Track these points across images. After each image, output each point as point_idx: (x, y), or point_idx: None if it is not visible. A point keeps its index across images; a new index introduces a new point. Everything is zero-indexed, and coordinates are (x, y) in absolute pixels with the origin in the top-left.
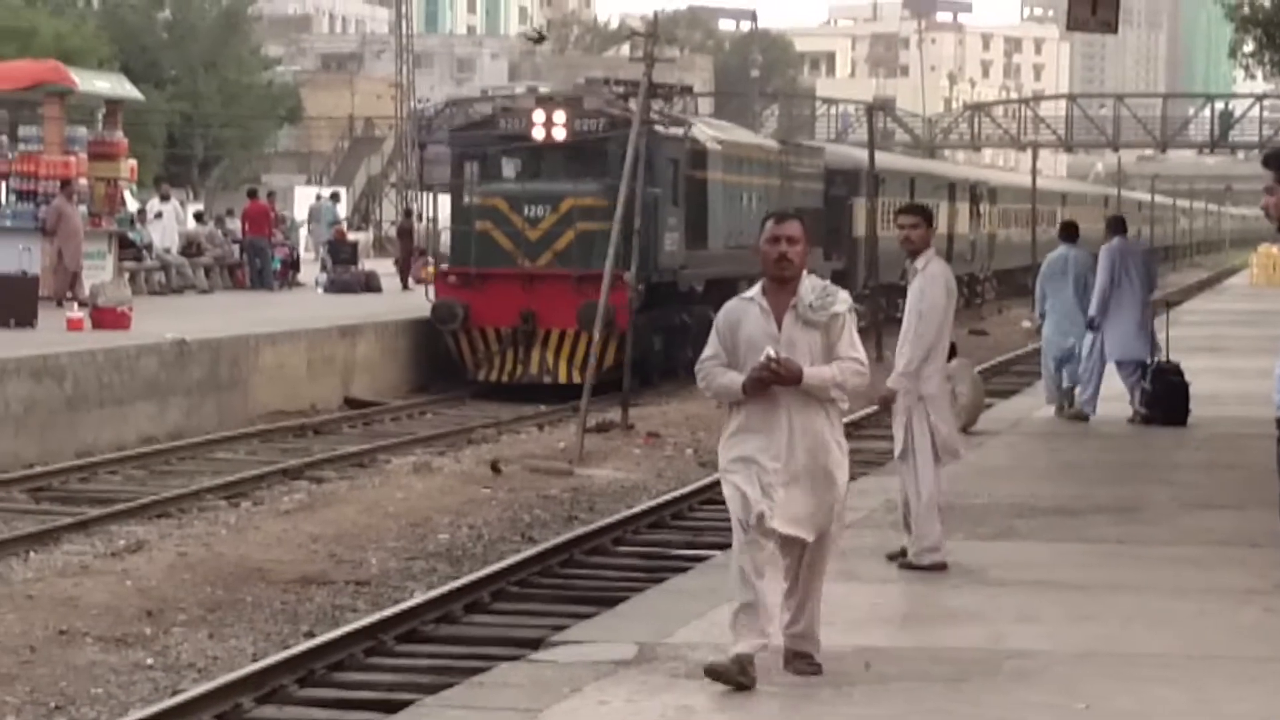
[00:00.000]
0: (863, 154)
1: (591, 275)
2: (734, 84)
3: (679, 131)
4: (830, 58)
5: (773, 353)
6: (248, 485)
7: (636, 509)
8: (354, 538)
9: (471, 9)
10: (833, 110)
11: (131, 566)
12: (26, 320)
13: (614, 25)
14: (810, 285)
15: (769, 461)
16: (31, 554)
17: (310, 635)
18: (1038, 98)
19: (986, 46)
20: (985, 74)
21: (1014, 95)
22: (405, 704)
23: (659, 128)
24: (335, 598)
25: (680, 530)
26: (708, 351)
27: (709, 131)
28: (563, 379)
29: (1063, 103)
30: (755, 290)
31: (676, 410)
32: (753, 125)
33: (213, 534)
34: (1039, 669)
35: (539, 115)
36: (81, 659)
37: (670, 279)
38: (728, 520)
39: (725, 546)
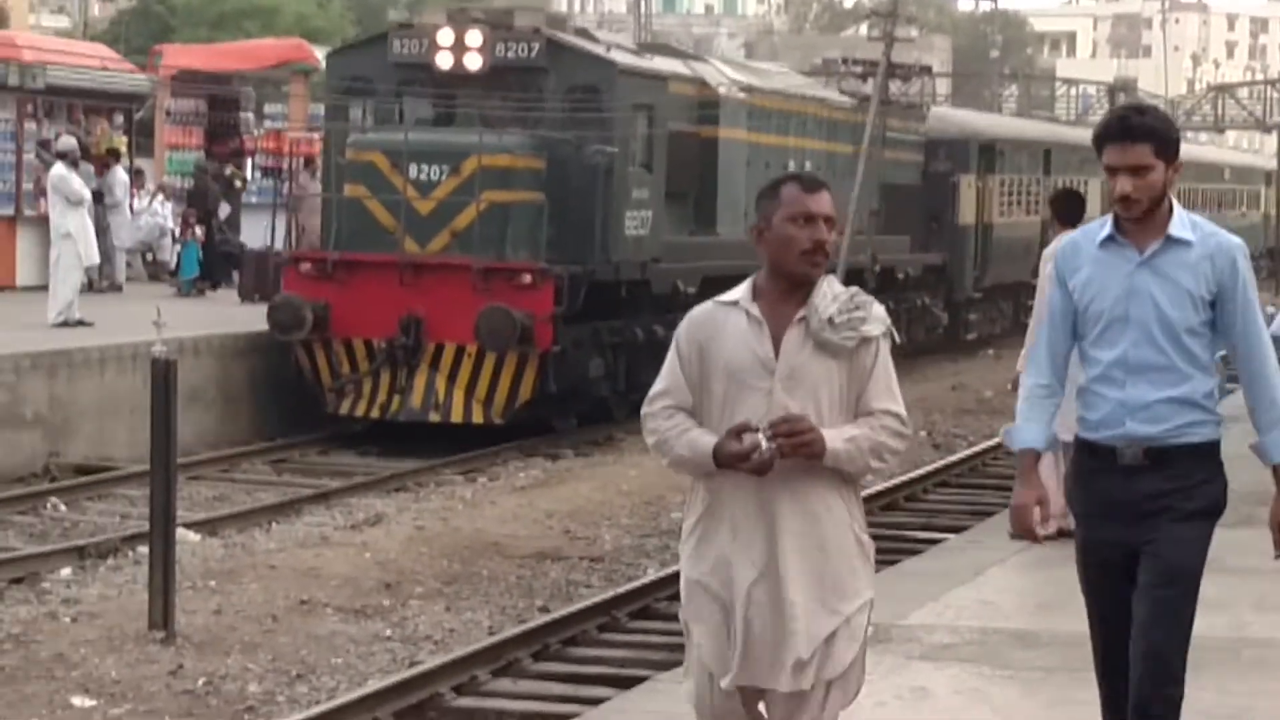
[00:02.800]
0: (975, 119)
1: (503, 269)
2: (972, 64)
3: (650, 65)
4: (1071, 38)
5: (763, 441)
6: (484, 461)
7: (868, 491)
8: (588, 514)
9: None
10: (1073, 91)
11: (370, 539)
12: (271, 295)
13: (850, 4)
14: (830, 291)
15: (748, 570)
16: (274, 525)
17: (545, 610)
18: None
19: (1232, 27)
20: (1230, 55)
21: (1260, 76)
22: (639, 680)
23: (615, 55)
24: (569, 573)
25: (914, 513)
26: (658, 386)
27: (727, 73)
28: (457, 417)
29: None
30: (741, 290)
31: (911, 392)
32: (991, 105)
33: (449, 508)
34: (1279, 658)
35: (445, 36)
36: (322, 629)
37: (636, 275)
38: (962, 503)
39: (961, 529)
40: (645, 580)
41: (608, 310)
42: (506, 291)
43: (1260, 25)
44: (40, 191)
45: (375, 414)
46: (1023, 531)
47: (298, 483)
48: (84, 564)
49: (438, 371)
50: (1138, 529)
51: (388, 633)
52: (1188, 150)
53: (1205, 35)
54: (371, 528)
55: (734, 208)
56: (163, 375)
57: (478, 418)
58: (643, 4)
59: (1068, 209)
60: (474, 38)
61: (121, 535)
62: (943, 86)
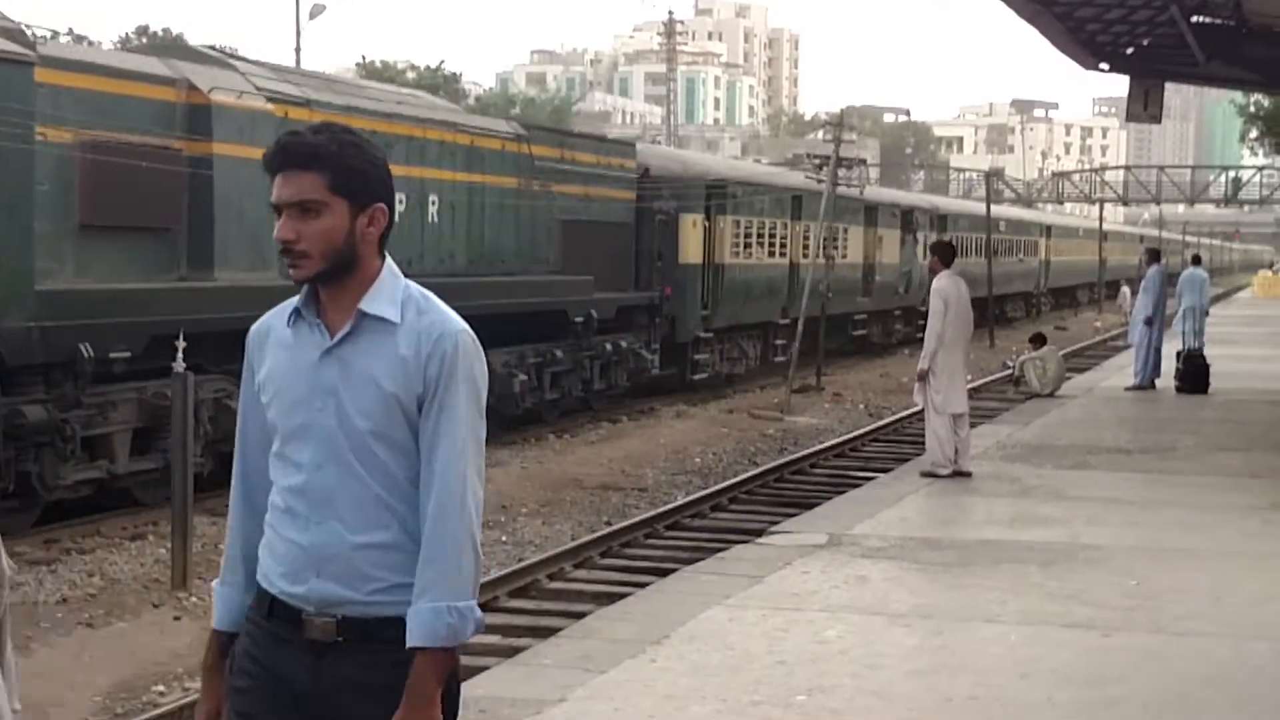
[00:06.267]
0: (703, 159)
1: None
2: (893, 157)
3: (19, 52)
4: (960, 140)
5: None
6: (567, 421)
7: (826, 444)
8: (637, 459)
9: (717, 106)
10: (961, 176)
11: (491, 475)
12: None
13: (809, 116)
14: None
15: None
16: None
17: (609, 524)
18: (1104, 168)
19: (1068, 132)
20: (1067, 151)
21: (1087, 166)
22: (671, 570)
23: None
24: (625, 499)
25: (855, 458)
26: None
27: (256, 78)
28: None
29: (1121, 171)
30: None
31: (854, 378)
32: (905, 187)
33: (545, 455)
34: (1104, 557)
35: None
36: None
37: None
38: (888, 453)
39: (888, 470)
40: (676, 504)
41: None
42: None
43: (1087, 132)
44: None
45: None
46: None
47: None
48: None
49: None
50: None
51: (504, 539)
52: (961, 206)
53: (1050, 138)
54: (492, 468)
55: (249, 242)
56: None
57: None
58: (670, 117)
59: (946, 253)
60: None
61: None
62: (874, 173)
